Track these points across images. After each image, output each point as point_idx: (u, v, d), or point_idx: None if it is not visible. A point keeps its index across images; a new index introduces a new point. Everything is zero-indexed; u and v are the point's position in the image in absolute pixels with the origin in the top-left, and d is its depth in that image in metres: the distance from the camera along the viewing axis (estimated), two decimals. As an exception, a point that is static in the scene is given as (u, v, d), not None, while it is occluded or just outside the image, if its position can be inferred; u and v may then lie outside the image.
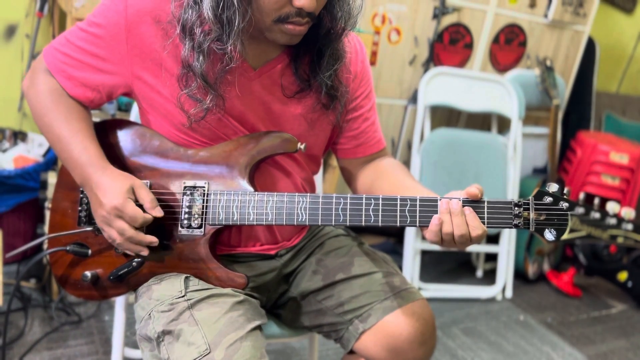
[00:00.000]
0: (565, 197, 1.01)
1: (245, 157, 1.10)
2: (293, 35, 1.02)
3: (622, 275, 2.83)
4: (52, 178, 2.02)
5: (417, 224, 1.02)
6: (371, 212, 1.03)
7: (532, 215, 1.00)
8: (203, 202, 1.09)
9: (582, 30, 2.96)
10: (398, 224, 1.03)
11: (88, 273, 1.13)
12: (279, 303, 1.29)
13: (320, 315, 1.22)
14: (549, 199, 1.01)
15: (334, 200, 1.05)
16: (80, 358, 1.82)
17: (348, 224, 1.05)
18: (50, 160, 2.16)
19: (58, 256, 1.18)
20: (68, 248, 1.14)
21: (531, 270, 2.85)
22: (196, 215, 1.09)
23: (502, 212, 1.01)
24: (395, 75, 2.55)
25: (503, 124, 2.84)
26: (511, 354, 2.26)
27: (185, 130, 1.10)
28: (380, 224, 1.03)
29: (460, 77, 2.59)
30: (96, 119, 1.19)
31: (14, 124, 2.28)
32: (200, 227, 1.09)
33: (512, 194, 2.63)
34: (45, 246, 1.44)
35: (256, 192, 1.08)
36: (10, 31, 2.18)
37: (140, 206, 1.06)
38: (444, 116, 2.79)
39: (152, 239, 1.07)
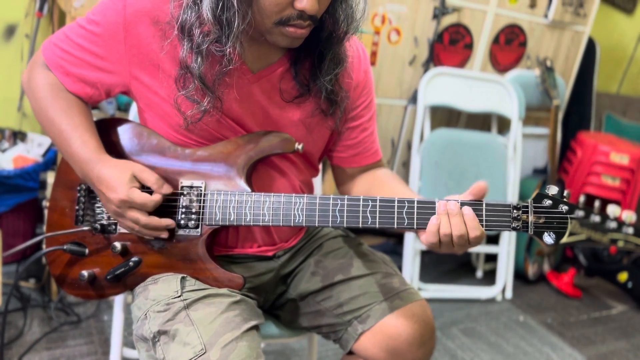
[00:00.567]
0: (565, 199, 1.00)
1: (243, 156, 1.10)
2: (294, 38, 1.00)
3: (622, 276, 2.83)
4: (51, 178, 2.02)
5: (415, 227, 1.01)
6: (368, 214, 1.03)
7: (531, 218, 1.00)
8: (200, 202, 1.09)
9: (583, 30, 2.96)
10: (395, 226, 1.02)
11: (85, 272, 1.13)
12: (277, 304, 1.29)
13: (319, 316, 1.22)
14: (548, 202, 1.00)
15: (331, 202, 1.04)
16: (80, 358, 1.82)
17: (345, 225, 1.04)
18: (50, 160, 2.16)
19: (55, 255, 1.18)
20: (65, 247, 1.14)
21: (531, 270, 2.85)
22: (193, 215, 1.09)
23: (501, 214, 1.00)
24: (395, 75, 2.54)
25: (503, 125, 2.84)
26: (511, 354, 2.26)
27: (182, 131, 1.10)
28: (377, 225, 1.03)
29: (460, 77, 2.58)
30: (94, 119, 1.19)
31: (14, 124, 2.28)
32: (197, 227, 1.09)
33: (512, 195, 2.63)
34: (43, 245, 1.44)
35: (253, 193, 1.08)
36: (10, 31, 2.18)
37: (148, 189, 1.06)
38: (444, 116, 2.79)
39: (169, 222, 1.07)
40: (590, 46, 3.10)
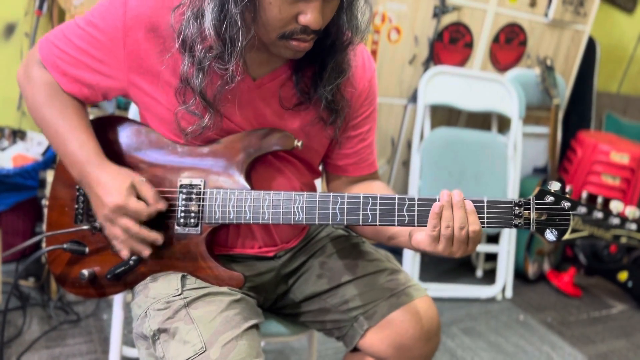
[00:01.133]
0: (567, 196, 0.99)
1: (242, 153, 1.09)
2: (297, 51, 0.99)
3: (623, 275, 2.83)
4: (50, 177, 2.02)
5: (416, 224, 1.01)
6: (369, 212, 1.02)
7: (532, 215, 0.99)
8: (199, 201, 1.09)
9: (583, 29, 2.95)
10: (396, 223, 1.02)
11: (85, 271, 1.13)
12: (279, 304, 1.29)
13: (323, 313, 1.22)
14: (550, 198, 0.99)
15: (331, 199, 1.04)
16: (79, 357, 1.82)
17: (345, 223, 1.04)
18: (49, 159, 2.16)
19: (56, 254, 1.18)
20: (65, 246, 1.14)
21: (531, 270, 2.85)
22: (192, 214, 1.09)
23: (502, 211, 0.99)
24: (395, 74, 2.54)
25: (503, 124, 2.83)
26: (511, 354, 2.26)
27: (181, 134, 1.08)
28: (377, 223, 1.02)
29: (460, 76, 2.58)
30: (94, 116, 1.18)
31: (13, 122, 2.28)
32: (196, 225, 1.09)
33: (512, 194, 2.62)
34: (43, 244, 1.44)
35: (253, 191, 1.07)
36: (10, 30, 2.18)
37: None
38: (444, 115, 2.79)
39: (157, 237, 1.06)
40: (591, 45, 3.10)
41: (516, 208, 0.99)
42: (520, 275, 2.84)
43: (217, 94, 1.03)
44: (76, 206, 1.16)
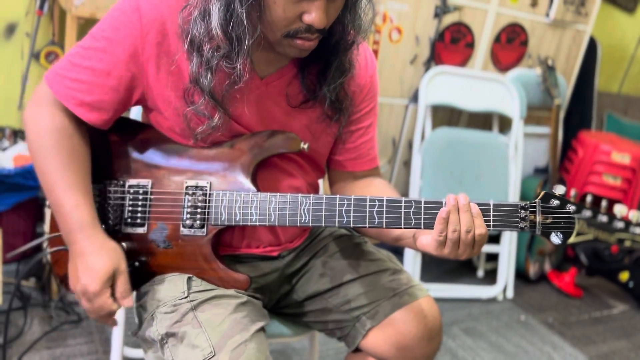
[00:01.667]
0: (572, 199, 1.00)
1: (248, 155, 1.09)
2: (302, 49, 1.00)
3: (624, 276, 2.83)
4: (52, 177, 2.01)
5: (422, 227, 1.01)
6: (375, 214, 1.02)
7: (538, 218, 1.00)
8: (205, 202, 1.08)
9: (584, 29, 2.96)
10: (403, 226, 1.02)
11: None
12: (282, 304, 1.29)
13: (325, 313, 1.22)
14: (555, 202, 1.00)
15: (337, 202, 1.04)
16: (80, 357, 1.82)
17: (352, 225, 1.04)
18: (50, 159, 2.15)
19: (59, 256, 1.17)
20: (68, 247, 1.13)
21: (532, 270, 2.85)
22: (198, 215, 1.08)
23: (508, 214, 1.00)
24: (396, 74, 2.54)
25: (504, 124, 2.83)
26: (512, 354, 2.26)
27: (188, 135, 1.08)
28: (384, 226, 1.02)
29: (461, 76, 2.58)
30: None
31: (14, 122, 2.27)
32: (202, 227, 1.08)
33: (514, 194, 2.62)
34: (45, 245, 1.44)
35: (259, 193, 1.07)
36: (10, 30, 2.17)
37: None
38: (445, 115, 2.79)
39: (115, 324, 1.08)
40: (592, 45, 3.10)
41: (522, 211, 1.00)
42: (521, 275, 2.85)
43: (225, 93, 1.02)
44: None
